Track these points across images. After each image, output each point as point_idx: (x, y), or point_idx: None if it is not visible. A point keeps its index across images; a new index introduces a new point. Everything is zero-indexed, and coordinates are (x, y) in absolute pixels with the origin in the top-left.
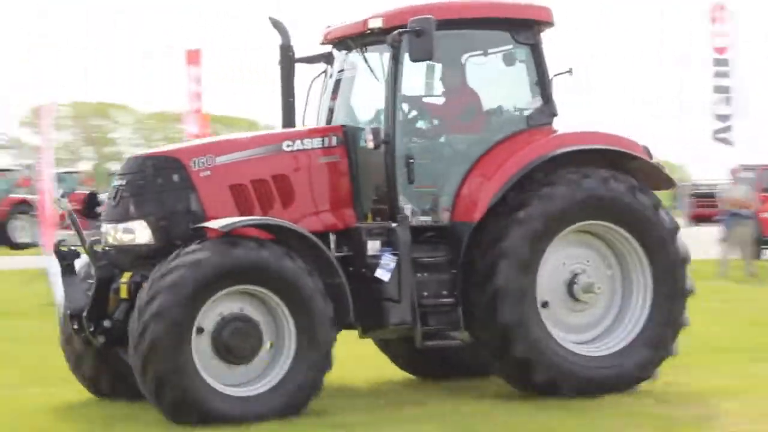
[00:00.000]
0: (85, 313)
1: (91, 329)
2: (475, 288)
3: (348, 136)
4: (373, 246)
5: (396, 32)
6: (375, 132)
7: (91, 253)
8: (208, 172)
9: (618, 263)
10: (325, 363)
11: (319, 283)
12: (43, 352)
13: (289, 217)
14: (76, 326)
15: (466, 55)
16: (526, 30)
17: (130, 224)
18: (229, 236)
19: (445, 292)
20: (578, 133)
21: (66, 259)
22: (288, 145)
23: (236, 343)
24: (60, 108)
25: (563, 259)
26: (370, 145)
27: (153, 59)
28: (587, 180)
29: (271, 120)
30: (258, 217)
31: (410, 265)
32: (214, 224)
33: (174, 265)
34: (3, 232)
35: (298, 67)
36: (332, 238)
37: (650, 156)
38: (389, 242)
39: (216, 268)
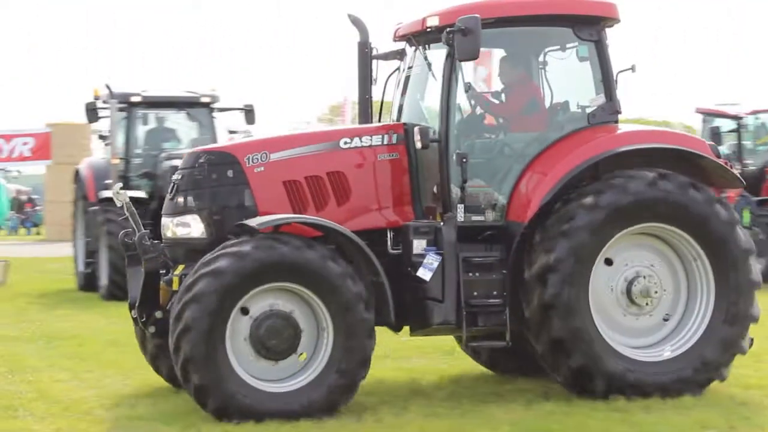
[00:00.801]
0: (137, 304)
1: (143, 320)
2: (526, 296)
3: (409, 133)
4: (418, 245)
5: (446, 31)
6: (422, 131)
7: (140, 246)
8: (262, 168)
9: (682, 265)
10: (360, 370)
11: (362, 288)
12: None
13: (343, 214)
14: (134, 316)
15: (528, 52)
16: (589, 26)
17: (185, 218)
18: (278, 233)
19: (495, 293)
20: (640, 132)
21: (130, 249)
22: (345, 142)
23: (272, 339)
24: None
25: (624, 261)
26: (418, 144)
27: None
28: (633, 183)
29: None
30: (296, 215)
31: (456, 265)
32: (253, 221)
33: (217, 255)
34: None
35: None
36: (390, 235)
37: (718, 155)
38: (435, 241)
39: (258, 262)
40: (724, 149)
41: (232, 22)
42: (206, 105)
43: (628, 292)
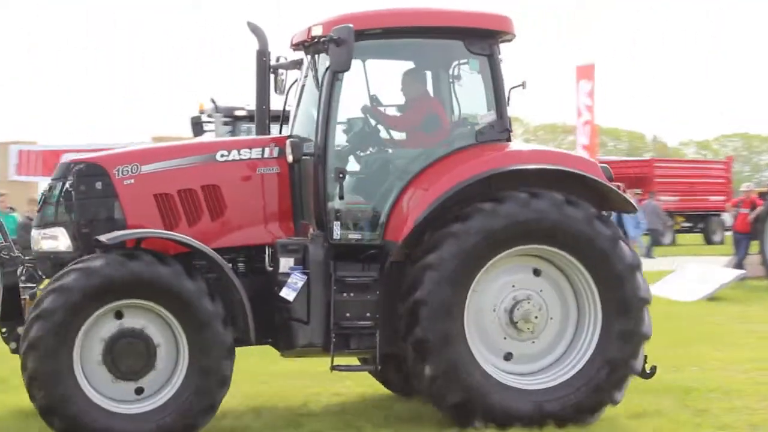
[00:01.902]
0: None
1: (5, 335)
2: (400, 303)
3: (298, 147)
4: (285, 263)
5: (321, 40)
6: (294, 145)
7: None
8: (132, 181)
9: (574, 295)
10: (218, 390)
11: (220, 307)
12: None
13: (218, 230)
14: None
15: (422, 65)
16: (481, 40)
17: (52, 230)
18: (135, 249)
19: (368, 314)
20: (525, 152)
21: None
22: (223, 155)
23: (126, 359)
24: None
25: (512, 283)
26: (289, 158)
27: (544, 74)
28: (537, 201)
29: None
30: (148, 230)
31: (323, 285)
32: (104, 237)
33: (67, 270)
34: None
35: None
36: (268, 252)
37: (610, 178)
38: (303, 260)
39: (107, 278)
40: None
41: None
42: None
43: (511, 316)
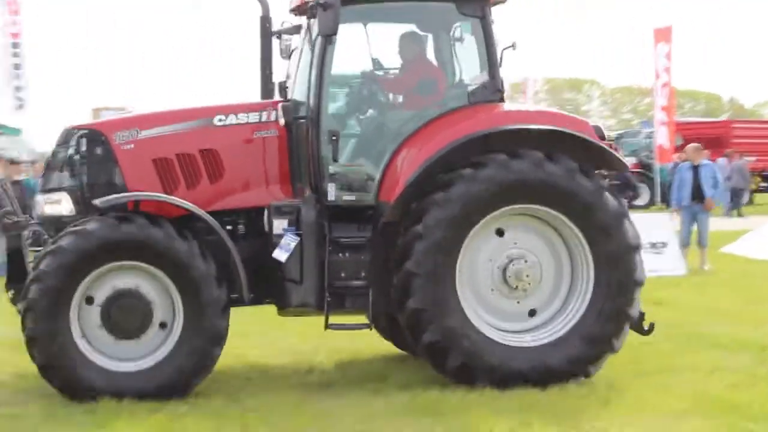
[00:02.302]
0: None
1: (12, 297)
2: (394, 271)
3: (289, 110)
4: (279, 224)
5: (309, 4)
6: (285, 108)
7: (2, 224)
8: (132, 146)
9: (567, 251)
10: (213, 348)
11: (212, 266)
12: None
13: (216, 193)
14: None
15: (409, 28)
16: (472, 3)
17: (55, 195)
18: (131, 212)
19: (362, 274)
20: (520, 112)
21: (8, 230)
22: (220, 120)
23: (123, 318)
24: (537, 82)
25: (506, 243)
26: (281, 122)
27: (620, 36)
28: (517, 161)
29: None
30: (141, 193)
31: (316, 246)
32: (99, 200)
33: (64, 233)
34: None
35: None
36: (267, 214)
37: (602, 137)
38: (297, 221)
39: (101, 240)
40: None
41: None
42: None
43: (504, 272)
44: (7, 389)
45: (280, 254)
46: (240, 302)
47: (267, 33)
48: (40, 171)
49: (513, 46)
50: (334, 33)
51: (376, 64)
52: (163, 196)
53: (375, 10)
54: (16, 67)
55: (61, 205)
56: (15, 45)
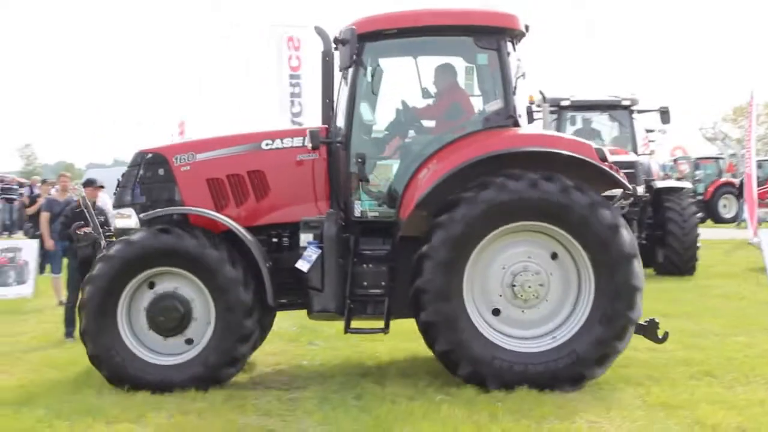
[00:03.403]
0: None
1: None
2: (410, 283)
3: (316, 135)
4: (305, 238)
5: (334, 39)
6: (312, 134)
7: (74, 235)
8: (188, 167)
9: (573, 262)
10: (240, 347)
11: (241, 272)
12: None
13: (262, 209)
14: None
15: (431, 60)
16: (488, 36)
17: (125, 210)
18: (175, 224)
19: (383, 283)
20: (525, 136)
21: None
22: (267, 144)
23: (163, 317)
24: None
25: (517, 257)
26: (309, 146)
27: None
28: (514, 182)
29: None
30: (178, 207)
31: (336, 257)
32: (142, 215)
33: (115, 242)
34: (711, 208)
35: None
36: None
37: (604, 159)
38: (321, 235)
39: (143, 248)
40: None
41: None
42: (627, 107)
43: (513, 282)
44: (285, 375)
45: (303, 264)
46: (266, 305)
47: (328, 66)
48: None
49: (523, 75)
50: (348, 66)
51: (405, 93)
52: (195, 209)
53: (399, 44)
54: (294, 95)
55: (130, 219)
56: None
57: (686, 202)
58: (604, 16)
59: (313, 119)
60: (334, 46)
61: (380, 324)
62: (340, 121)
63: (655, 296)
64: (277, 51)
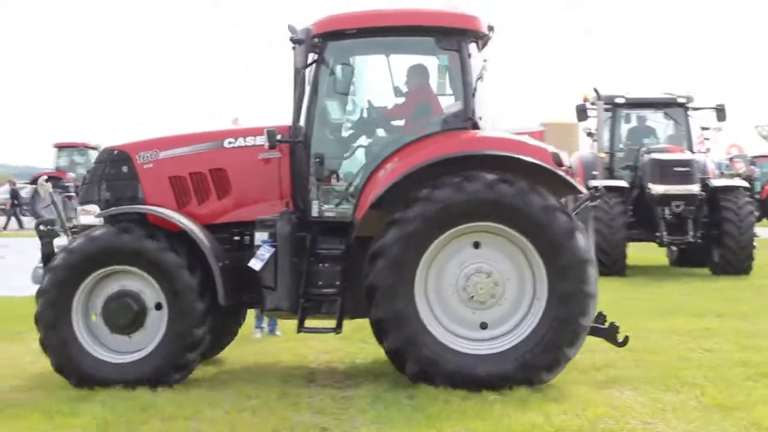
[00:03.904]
0: None
1: None
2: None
3: (273, 135)
4: (259, 236)
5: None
6: (269, 133)
7: (37, 231)
8: (151, 165)
9: (529, 265)
10: (187, 352)
11: (197, 279)
12: None
13: (223, 207)
14: None
15: (392, 60)
16: (449, 37)
17: (89, 207)
18: (135, 222)
19: (337, 283)
20: (482, 138)
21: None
22: (230, 142)
23: (118, 315)
24: None
25: (473, 258)
26: (266, 145)
27: None
28: (471, 183)
29: None
30: (131, 206)
31: (290, 256)
32: (100, 212)
33: (78, 237)
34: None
35: None
36: None
37: (560, 164)
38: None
39: (105, 246)
40: None
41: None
42: (682, 105)
43: (466, 283)
44: (339, 373)
45: (255, 263)
46: (218, 305)
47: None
48: None
49: (481, 77)
50: (303, 66)
51: (369, 93)
52: (149, 208)
53: (361, 44)
54: None
55: (95, 216)
56: None
57: (742, 201)
58: (661, 14)
59: None
60: (292, 46)
61: (333, 324)
62: (301, 120)
63: (711, 296)
64: None
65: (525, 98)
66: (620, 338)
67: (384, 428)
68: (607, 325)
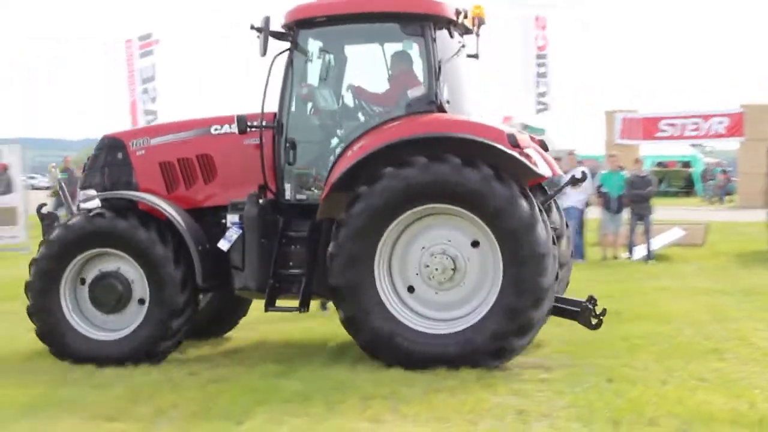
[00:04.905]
0: None
1: None
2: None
3: (243, 120)
4: (231, 219)
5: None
6: (239, 119)
7: (38, 215)
8: (143, 152)
9: (491, 251)
10: (172, 320)
11: (170, 251)
12: None
13: (209, 191)
14: None
15: (357, 46)
16: (413, 23)
17: (89, 192)
18: (115, 208)
19: (304, 263)
20: (442, 120)
21: (45, 220)
22: (216, 129)
23: (104, 295)
24: None
25: (438, 239)
26: (236, 131)
27: None
28: (438, 164)
29: None
30: (114, 192)
31: (257, 237)
32: (93, 196)
33: (57, 226)
34: None
35: None
36: None
37: (515, 145)
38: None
39: (80, 231)
40: None
41: None
42: None
43: (427, 264)
44: (537, 356)
45: (223, 244)
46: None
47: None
48: None
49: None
50: (263, 54)
51: (339, 80)
52: (128, 193)
53: (332, 31)
54: (540, 75)
55: (93, 200)
56: (540, 56)
57: None
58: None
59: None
60: (257, 35)
61: (296, 303)
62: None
63: None
64: (523, 32)
65: (723, 79)
66: (593, 321)
67: (582, 412)
68: (600, 311)
